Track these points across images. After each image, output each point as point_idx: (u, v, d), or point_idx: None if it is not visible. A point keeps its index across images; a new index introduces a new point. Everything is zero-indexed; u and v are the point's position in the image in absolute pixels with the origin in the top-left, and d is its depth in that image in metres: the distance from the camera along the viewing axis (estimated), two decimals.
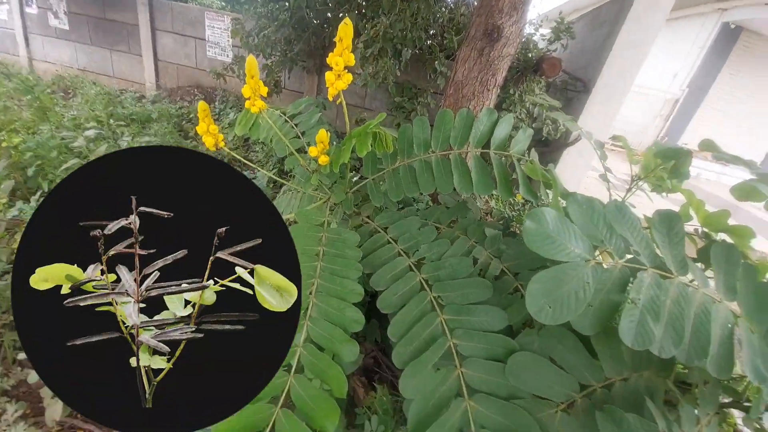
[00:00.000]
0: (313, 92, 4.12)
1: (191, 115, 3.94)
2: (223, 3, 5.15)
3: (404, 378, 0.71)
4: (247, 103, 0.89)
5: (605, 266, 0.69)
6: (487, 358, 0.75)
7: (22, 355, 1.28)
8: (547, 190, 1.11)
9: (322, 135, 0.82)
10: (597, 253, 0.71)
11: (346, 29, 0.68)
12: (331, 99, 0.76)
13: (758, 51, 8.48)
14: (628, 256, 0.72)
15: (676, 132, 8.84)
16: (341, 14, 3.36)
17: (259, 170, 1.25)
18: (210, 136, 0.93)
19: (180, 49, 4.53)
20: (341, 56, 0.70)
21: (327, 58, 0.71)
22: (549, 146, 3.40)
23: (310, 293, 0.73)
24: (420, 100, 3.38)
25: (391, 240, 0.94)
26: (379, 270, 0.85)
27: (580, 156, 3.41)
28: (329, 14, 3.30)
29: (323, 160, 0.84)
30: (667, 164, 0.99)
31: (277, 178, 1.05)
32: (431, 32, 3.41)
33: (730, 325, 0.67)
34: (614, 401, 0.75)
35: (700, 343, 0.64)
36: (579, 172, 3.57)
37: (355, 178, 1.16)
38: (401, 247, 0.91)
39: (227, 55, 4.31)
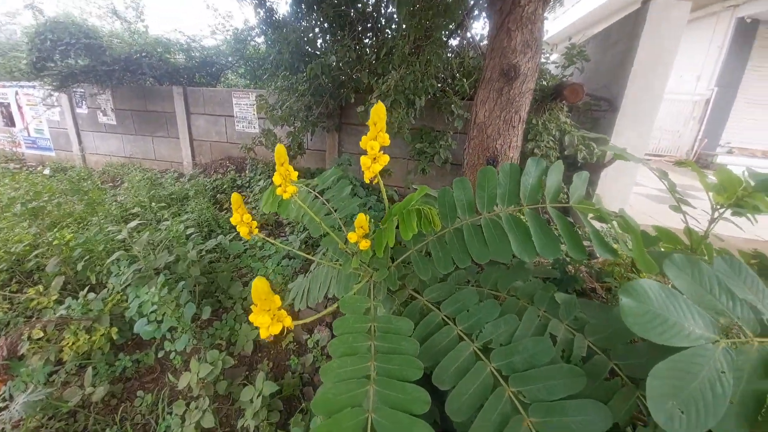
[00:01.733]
0: (334, 149, 4.27)
1: (225, 186, 4.16)
2: (247, 81, 5.65)
3: None
4: (278, 190, 0.85)
5: (738, 346, 0.54)
6: None
7: None
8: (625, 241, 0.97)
9: (362, 220, 0.76)
10: (720, 328, 0.56)
11: (379, 112, 0.64)
12: (367, 181, 0.71)
13: None
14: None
15: (714, 132, 8.30)
16: (354, 75, 3.55)
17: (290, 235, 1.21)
18: (244, 226, 0.90)
19: (212, 127, 4.94)
20: (376, 139, 0.65)
21: (364, 138, 0.66)
22: (583, 169, 3.22)
23: (365, 406, 0.62)
24: (441, 143, 3.37)
25: (446, 319, 0.82)
26: (441, 362, 0.73)
27: (622, 174, 3.20)
28: (343, 77, 3.48)
29: (364, 245, 0.77)
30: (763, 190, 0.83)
31: (307, 256, 0.99)
32: (443, 77, 3.50)
33: None
34: None
35: None
36: (624, 190, 3.33)
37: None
38: (461, 328, 0.79)
39: (254, 127, 4.64)
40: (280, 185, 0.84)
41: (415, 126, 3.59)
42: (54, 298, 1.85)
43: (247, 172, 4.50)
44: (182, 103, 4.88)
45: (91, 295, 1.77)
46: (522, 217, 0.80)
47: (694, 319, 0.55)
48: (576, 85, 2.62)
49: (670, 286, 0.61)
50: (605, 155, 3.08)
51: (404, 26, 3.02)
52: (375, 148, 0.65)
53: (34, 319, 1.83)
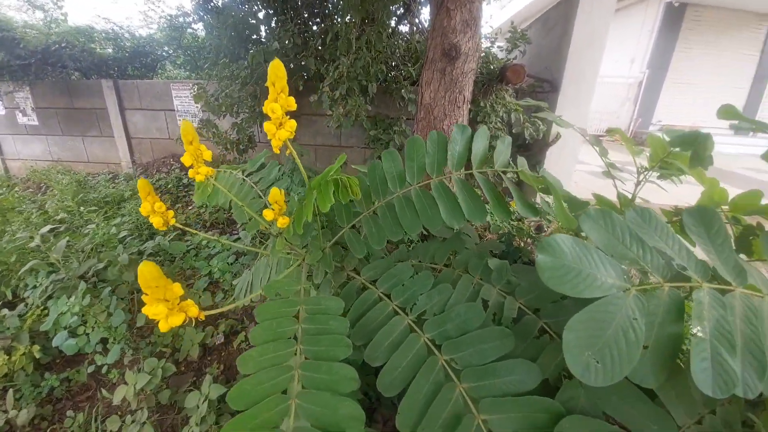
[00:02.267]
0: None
1: (169, 186, 3.87)
2: (187, 72, 5.26)
3: None
4: (191, 172, 0.77)
5: (647, 289, 0.56)
6: (529, 429, 0.58)
7: None
8: (546, 199, 0.99)
9: (275, 194, 0.70)
10: (632, 276, 0.58)
11: (276, 70, 0.58)
12: (277, 151, 0.65)
13: (706, 21, 8.87)
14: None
15: (647, 112, 9.04)
16: (302, 62, 3.41)
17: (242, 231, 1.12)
18: (157, 216, 0.80)
19: (151, 123, 4.55)
20: (277, 101, 0.59)
21: (264, 104, 0.60)
22: (531, 149, 3.35)
23: (289, 392, 0.57)
24: (395, 129, 3.35)
25: (382, 296, 0.79)
26: (373, 338, 0.70)
27: (563, 152, 3.36)
28: (292, 65, 3.33)
29: (282, 222, 0.71)
30: (684, 151, 0.88)
31: (253, 249, 0.92)
32: (392, 63, 3.46)
33: None
34: None
35: None
36: (567, 168, 3.50)
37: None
38: (396, 302, 0.76)
39: (199, 121, 4.33)
40: (191, 166, 0.75)
41: (370, 113, 3.54)
42: None
43: None
44: (114, 98, 4.44)
45: (5, 312, 1.56)
46: (450, 184, 0.78)
47: (606, 270, 0.55)
48: (517, 66, 2.69)
49: (585, 239, 0.61)
50: (550, 134, 3.22)
51: (349, 10, 2.93)
52: (277, 111, 0.59)
53: None
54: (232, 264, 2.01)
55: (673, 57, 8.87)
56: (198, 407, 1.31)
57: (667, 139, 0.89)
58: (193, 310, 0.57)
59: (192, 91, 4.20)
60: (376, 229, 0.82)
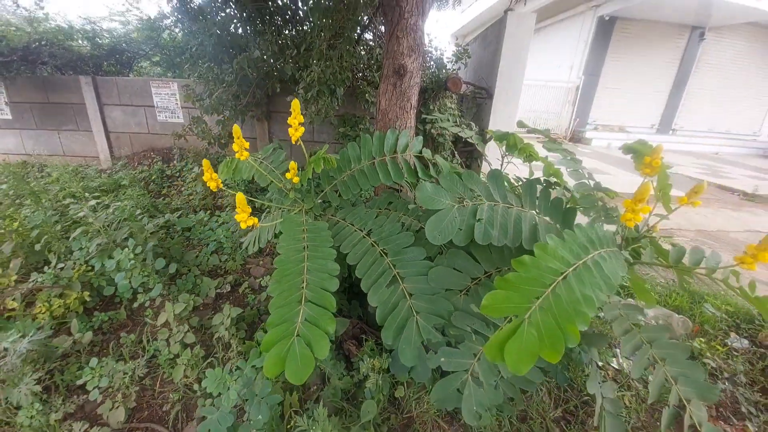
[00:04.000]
0: (264, 137, 4.60)
1: (153, 177, 4.23)
2: (162, 69, 5.52)
3: (370, 295, 1.20)
4: (237, 155, 1.36)
5: (464, 206, 1.24)
6: (417, 275, 1.26)
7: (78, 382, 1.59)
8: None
9: (293, 165, 1.31)
10: (459, 200, 1.26)
11: (295, 105, 1.20)
12: (294, 142, 1.26)
13: (633, 33, 10.19)
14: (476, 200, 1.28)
15: (584, 113, 10.29)
16: (278, 66, 3.92)
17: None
18: (213, 182, 1.38)
19: (130, 119, 4.83)
20: (295, 119, 1.21)
21: (288, 119, 1.21)
22: (473, 146, 4.12)
23: (304, 274, 1.20)
24: (361, 127, 3.97)
25: (350, 224, 1.44)
26: (344, 242, 1.34)
27: (496, 149, 4.15)
28: (268, 69, 3.84)
29: (296, 179, 1.32)
30: (520, 144, 1.58)
31: (264, 202, 1.52)
32: (357, 72, 4.07)
33: (534, 222, 1.23)
34: (487, 283, 1.28)
35: (516, 234, 1.19)
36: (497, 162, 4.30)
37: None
38: (357, 227, 1.41)
39: (178, 117, 4.69)
40: (237, 151, 1.35)
41: (339, 113, 4.13)
42: (14, 278, 2.05)
43: (175, 162, 4.58)
44: (93, 94, 4.69)
45: (61, 265, 2.04)
46: (385, 161, 1.45)
47: (447, 197, 1.23)
48: (456, 78, 3.41)
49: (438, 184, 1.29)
50: (486, 134, 4.00)
51: (319, 24, 3.48)
52: (294, 124, 1.21)
53: None
54: (233, 233, 2.57)
55: (605, 64, 10.16)
56: (222, 323, 1.88)
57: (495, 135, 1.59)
58: (254, 220, 1.18)
59: (171, 89, 4.58)
60: (345, 187, 1.46)
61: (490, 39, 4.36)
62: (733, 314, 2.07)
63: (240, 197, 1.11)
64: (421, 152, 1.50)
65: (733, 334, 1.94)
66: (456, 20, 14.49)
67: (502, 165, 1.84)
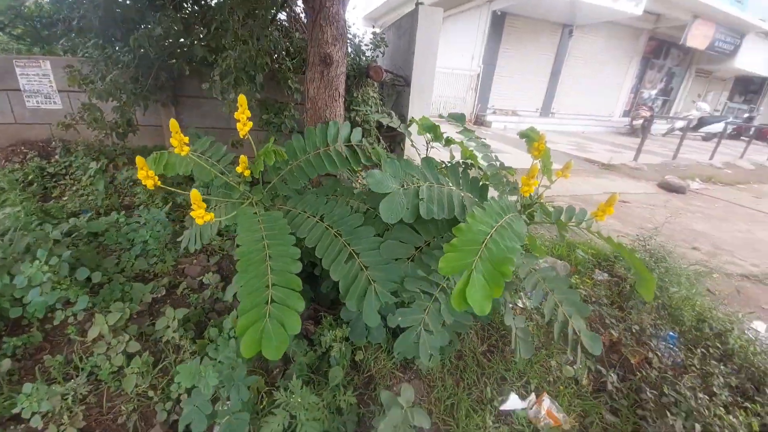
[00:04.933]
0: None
1: (30, 177, 3.52)
2: (27, 44, 4.46)
3: (332, 271, 1.35)
4: (176, 150, 1.34)
5: (407, 188, 1.46)
6: (370, 250, 1.44)
7: None
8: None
9: (243, 159, 1.34)
10: (402, 183, 1.48)
11: (241, 100, 1.25)
12: (242, 136, 1.30)
13: (519, 28, 11.62)
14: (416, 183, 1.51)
15: (485, 98, 11.53)
16: (186, 46, 3.56)
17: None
18: (150, 179, 1.33)
19: None
20: (243, 114, 1.26)
21: (236, 114, 1.24)
22: (395, 131, 4.39)
23: (267, 261, 1.28)
24: (285, 114, 3.90)
25: (302, 212, 1.54)
26: (299, 228, 1.45)
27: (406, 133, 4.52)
28: (179, 49, 3.46)
29: (247, 172, 1.36)
30: (437, 132, 1.85)
31: (210, 196, 1.51)
32: (276, 56, 3.93)
33: (460, 197, 1.52)
34: (432, 252, 1.55)
35: (450, 208, 1.46)
36: (419, 145, 4.70)
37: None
38: (309, 213, 1.53)
39: (55, 102, 3.91)
40: (175, 147, 1.33)
41: (260, 99, 3.97)
42: None
43: (57, 157, 3.86)
44: None
45: None
46: (329, 151, 1.57)
47: (393, 182, 1.43)
48: (378, 67, 3.60)
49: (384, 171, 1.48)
50: (407, 120, 4.31)
51: (229, 1, 3.23)
52: (243, 119, 1.26)
53: None
54: (159, 233, 2.38)
55: (499, 55, 11.47)
56: (168, 325, 1.81)
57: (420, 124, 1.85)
58: (210, 215, 1.21)
59: (42, 68, 3.78)
60: (291, 177, 1.55)
61: (404, 29, 4.62)
62: (596, 256, 2.78)
63: (195, 193, 1.14)
64: (361, 142, 1.67)
65: (597, 270, 2.62)
66: (368, 3, 14.50)
67: (427, 150, 2.11)
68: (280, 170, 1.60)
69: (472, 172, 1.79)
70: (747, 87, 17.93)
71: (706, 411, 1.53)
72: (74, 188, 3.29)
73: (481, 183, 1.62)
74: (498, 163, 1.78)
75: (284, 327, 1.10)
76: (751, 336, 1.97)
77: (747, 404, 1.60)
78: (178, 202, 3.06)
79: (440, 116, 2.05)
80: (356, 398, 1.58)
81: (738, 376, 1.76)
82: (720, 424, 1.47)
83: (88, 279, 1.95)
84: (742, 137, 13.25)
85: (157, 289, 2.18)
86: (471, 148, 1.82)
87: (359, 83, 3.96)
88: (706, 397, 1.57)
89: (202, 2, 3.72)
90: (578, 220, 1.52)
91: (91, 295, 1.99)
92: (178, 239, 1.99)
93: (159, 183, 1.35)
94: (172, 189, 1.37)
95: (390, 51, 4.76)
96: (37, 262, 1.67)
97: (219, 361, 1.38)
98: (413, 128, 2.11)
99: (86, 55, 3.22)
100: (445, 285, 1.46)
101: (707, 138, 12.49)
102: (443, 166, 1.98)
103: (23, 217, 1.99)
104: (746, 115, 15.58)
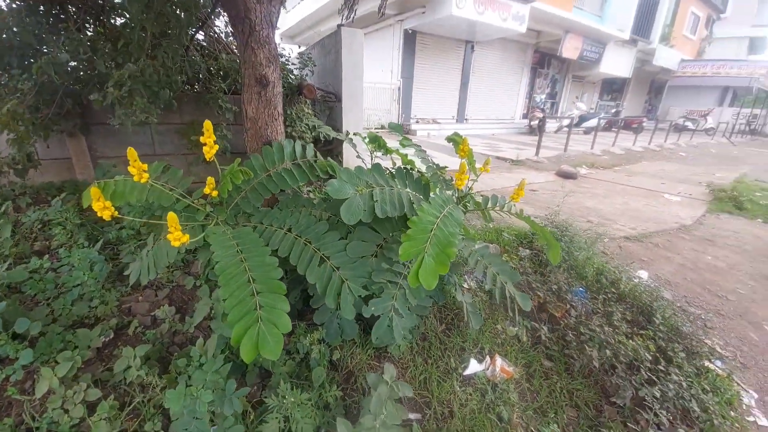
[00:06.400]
0: (84, 155, 3.75)
1: None
2: None
3: (307, 276, 1.48)
4: (135, 178, 1.35)
5: (362, 192, 1.66)
6: (338, 252, 1.60)
7: None
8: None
9: (211, 180, 1.40)
10: (358, 188, 1.67)
11: (207, 125, 1.32)
12: (208, 159, 1.36)
13: (430, 45, 12.73)
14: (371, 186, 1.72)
15: (407, 109, 12.36)
16: (93, 70, 3.27)
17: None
18: (107, 210, 1.33)
19: None
20: (210, 138, 1.33)
21: (201, 138, 1.31)
22: (332, 144, 4.57)
23: (248, 273, 1.36)
24: (217, 134, 3.80)
25: (269, 226, 1.64)
26: (270, 240, 1.55)
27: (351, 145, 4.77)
28: (81, 73, 3.17)
29: (215, 193, 1.42)
30: (381, 142, 2.09)
31: (130, 219, 1.52)
32: (200, 76, 3.83)
33: (410, 197, 1.77)
34: (391, 246, 1.77)
35: (400, 206, 1.70)
36: (353, 156, 4.95)
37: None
38: (276, 226, 1.63)
39: None
40: (134, 175, 1.35)
41: (184, 121, 3.82)
42: None
43: None
44: None
45: None
46: (289, 167, 1.70)
47: (349, 188, 1.62)
48: (311, 85, 3.76)
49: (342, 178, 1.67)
50: (343, 133, 4.52)
51: (140, 19, 3.06)
52: (209, 142, 1.33)
53: None
54: (98, 273, 2.19)
55: (415, 69, 12.44)
56: (130, 366, 1.71)
57: (367, 138, 2.09)
58: (186, 238, 1.27)
59: None
60: (254, 194, 1.64)
61: (329, 48, 4.86)
62: (518, 236, 3.30)
63: (172, 216, 1.18)
64: (315, 157, 1.83)
65: (520, 248, 3.11)
66: (284, 21, 14.48)
67: (372, 159, 2.34)
68: (240, 189, 1.67)
69: (415, 174, 2.07)
70: (612, 87, 22.22)
71: (612, 339, 1.99)
72: None
73: (423, 182, 1.90)
74: (434, 165, 2.09)
75: (277, 327, 1.21)
76: (636, 281, 2.58)
77: (641, 332, 2.12)
78: (110, 239, 2.81)
79: (380, 127, 2.30)
80: (340, 392, 1.70)
81: (631, 311, 2.31)
82: (624, 349, 1.94)
83: (18, 334, 1.74)
84: (612, 129, 16.32)
85: (105, 332, 2.01)
86: (410, 156, 2.10)
87: (292, 101, 4.06)
88: (611, 329, 2.05)
89: (106, 20, 3.45)
90: (501, 205, 1.89)
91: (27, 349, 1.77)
92: (125, 273, 1.90)
93: (116, 213, 1.34)
94: (129, 218, 1.37)
95: (318, 69, 4.95)
96: None
97: (207, 378, 1.40)
98: (357, 140, 2.33)
99: None
100: (406, 273, 1.68)
101: (587, 132, 15.13)
102: (388, 171, 2.23)
103: None
104: (614, 110, 19.27)
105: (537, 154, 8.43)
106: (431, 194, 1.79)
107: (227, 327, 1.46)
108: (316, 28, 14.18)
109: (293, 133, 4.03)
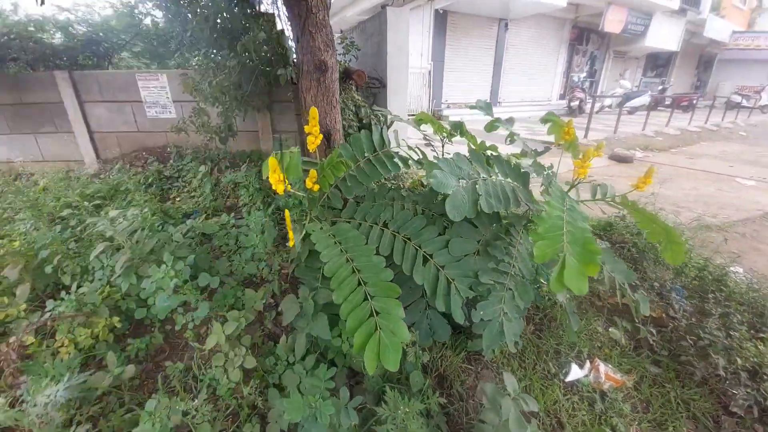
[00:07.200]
0: (267, 129, 4.07)
1: (150, 179, 3.60)
2: (146, 61, 4.80)
3: (415, 276, 1.34)
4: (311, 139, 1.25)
5: (465, 185, 1.49)
6: (439, 250, 1.45)
7: None
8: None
9: (314, 173, 1.28)
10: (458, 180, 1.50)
11: (313, 113, 1.19)
12: (311, 150, 1.24)
13: (460, 24, 12.14)
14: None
15: (438, 94, 11.93)
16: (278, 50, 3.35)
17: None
18: (281, 184, 1.21)
19: (116, 116, 4.12)
20: (315, 127, 1.21)
21: (306, 128, 1.19)
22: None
23: (357, 274, 1.23)
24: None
25: (363, 221, 1.51)
26: (367, 238, 1.42)
27: (398, 131, 4.58)
28: (270, 55, 3.36)
29: (315, 187, 1.30)
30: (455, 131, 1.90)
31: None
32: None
33: (512, 187, 1.58)
34: (495, 243, 1.59)
35: (505, 199, 1.51)
36: (399, 142, 4.76)
37: None
38: (369, 222, 1.50)
39: (170, 112, 4.05)
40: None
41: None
42: (23, 307, 1.72)
43: (172, 162, 3.92)
44: (71, 91, 3.92)
45: (83, 288, 1.74)
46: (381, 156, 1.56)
47: (452, 180, 1.44)
48: (360, 71, 3.58)
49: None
50: (387, 119, 4.34)
51: None
52: (314, 133, 1.20)
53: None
54: (265, 237, 2.24)
55: (446, 51, 11.92)
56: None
57: (448, 126, 1.90)
58: (284, 186, 1.14)
59: (160, 81, 3.86)
60: (345, 187, 1.52)
61: (371, 31, 4.63)
62: (595, 227, 3.02)
63: (287, 213, 1.09)
64: (399, 146, 1.67)
65: (598, 240, 2.85)
66: None
67: (443, 146, 2.16)
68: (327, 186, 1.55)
69: None
70: (656, 62, 20.51)
71: (736, 345, 1.75)
72: (186, 190, 3.48)
73: (522, 171, 1.70)
74: (533, 150, 1.88)
75: (395, 335, 1.09)
76: (740, 279, 2.28)
77: (761, 335, 1.86)
78: (279, 205, 2.90)
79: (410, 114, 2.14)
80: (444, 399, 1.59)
81: (741, 312, 2.04)
82: (750, 356, 1.70)
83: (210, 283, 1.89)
84: (658, 107, 15.10)
85: (265, 297, 2.01)
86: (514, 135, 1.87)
87: (341, 88, 3.91)
88: (736, 334, 1.80)
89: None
90: (612, 196, 1.66)
91: (206, 300, 1.84)
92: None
93: (290, 188, 1.25)
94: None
95: (359, 53, 4.75)
96: (164, 266, 1.66)
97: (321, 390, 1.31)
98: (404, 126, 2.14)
99: (197, 64, 3.36)
100: (512, 273, 1.51)
101: (631, 112, 14.08)
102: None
103: (150, 218, 2.14)
104: (660, 87, 17.80)
105: (586, 136, 7.90)
106: (549, 187, 1.57)
107: (319, 328, 1.37)
108: (350, 9, 13.73)
109: (342, 122, 3.89)
